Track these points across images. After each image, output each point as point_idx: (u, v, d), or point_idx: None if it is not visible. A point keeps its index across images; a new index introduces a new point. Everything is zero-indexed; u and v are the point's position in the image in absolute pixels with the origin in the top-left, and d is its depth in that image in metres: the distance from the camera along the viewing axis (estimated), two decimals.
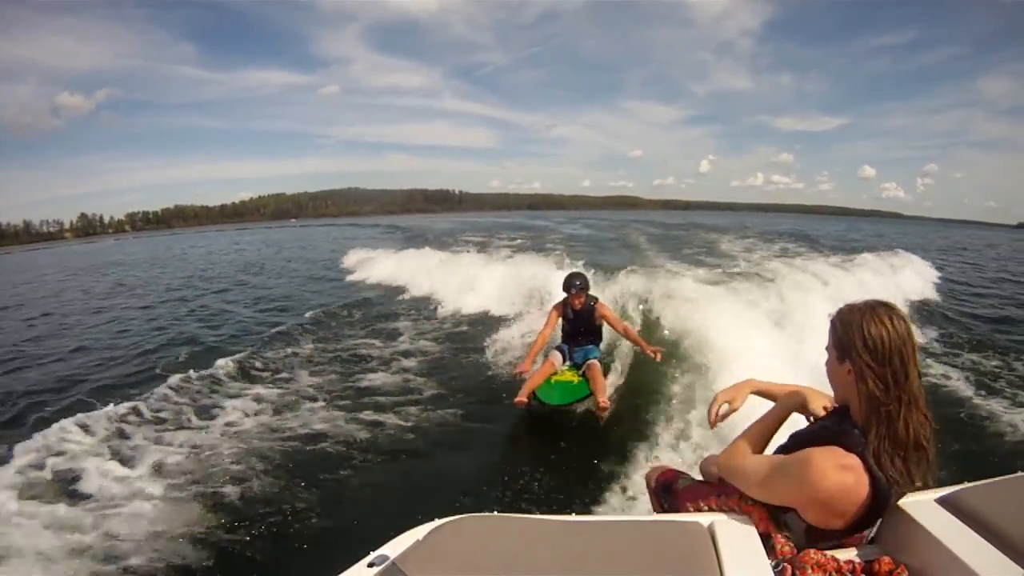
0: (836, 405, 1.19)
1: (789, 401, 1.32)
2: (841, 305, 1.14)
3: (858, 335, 1.05)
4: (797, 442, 1.16)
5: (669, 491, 1.53)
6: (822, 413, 1.23)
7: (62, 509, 2.83)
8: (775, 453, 1.23)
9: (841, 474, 1.02)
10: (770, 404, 1.36)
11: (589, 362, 4.03)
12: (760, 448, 1.27)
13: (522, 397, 3.70)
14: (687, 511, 1.39)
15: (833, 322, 1.13)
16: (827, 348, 1.15)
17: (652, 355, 3.83)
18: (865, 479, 1.02)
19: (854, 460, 1.03)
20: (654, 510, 1.66)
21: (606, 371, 4.20)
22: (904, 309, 1.16)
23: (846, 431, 1.07)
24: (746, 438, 1.29)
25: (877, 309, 1.07)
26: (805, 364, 3.52)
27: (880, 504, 1.05)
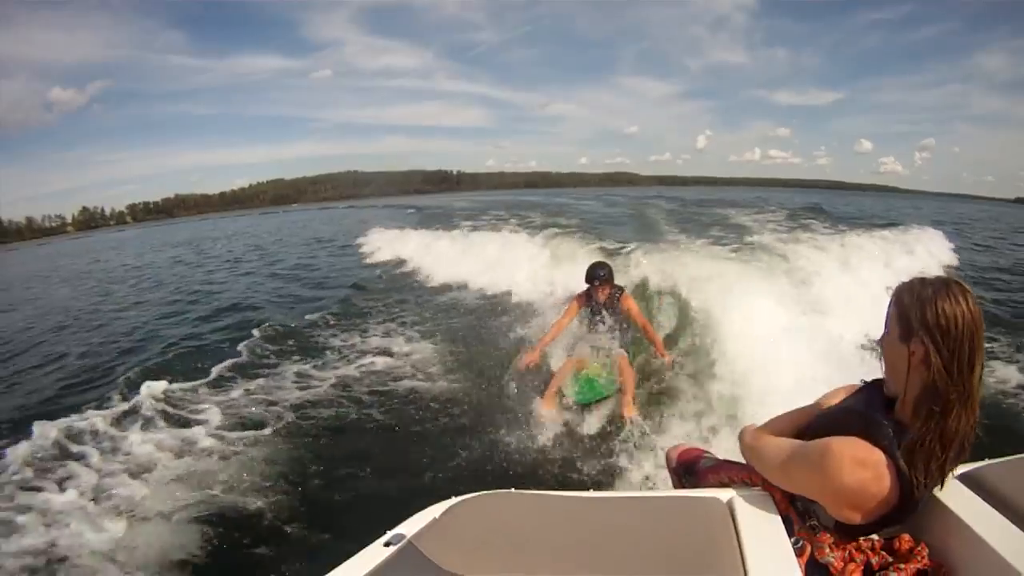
0: (865, 383, 1.11)
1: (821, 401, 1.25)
2: (905, 280, 1.02)
3: (931, 312, 0.94)
4: (823, 423, 1.11)
5: (692, 471, 1.49)
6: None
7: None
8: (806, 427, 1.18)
9: (858, 470, 0.95)
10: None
11: (617, 355, 3.88)
12: (788, 434, 1.20)
13: (549, 404, 3.55)
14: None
15: (899, 295, 1.01)
16: (886, 324, 1.04)
17: (662, 357, 3.89)
18: (887, 476, 0.95)
19: (877, 455, 0.95)
20: (674, 488, 1.63)
21: (631, 360, 4.05)
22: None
23: (874, 420, 0.99)
24: (774, 421, 1.25)
25: (952, 287, 0.95)
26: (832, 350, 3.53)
27: (906, 503, 0.97)
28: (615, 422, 3.42)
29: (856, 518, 0.99)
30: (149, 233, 41.62)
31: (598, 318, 4.08)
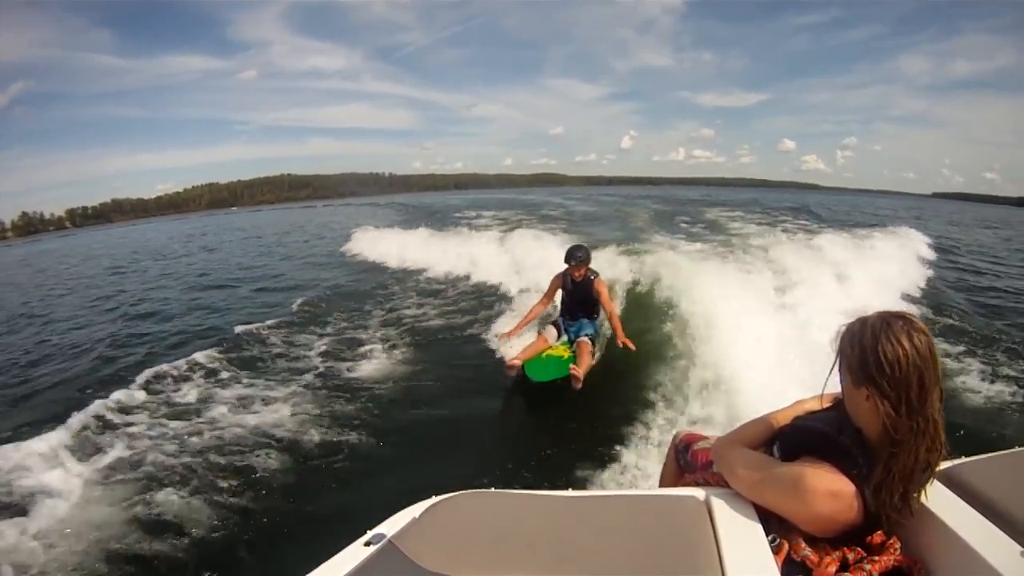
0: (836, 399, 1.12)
1: (791, 411, 1.26)
2: (849, 320, 1.02)
3: (872, 359, 0.93)
4: (796, 441, 1.13)
5: (687, 449, 1.55)
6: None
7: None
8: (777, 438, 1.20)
9: (832, 501, 0.97)
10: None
11: (579, 340, 4.05)
12: (760, 441, 1.22)
13: (515, 361, 3.80)
14: (697, 468, 1.44)
15: (842, 342, 1.01)
16: (839, 370, 1.04)
17: (621, 345, 3.88)
18: (857, 506, 0.98)
19: (848, 487, 0.98)
20: (666, 463, 1.69)
21: (596, 348, 4.21)
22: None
23: (845, 448, 1.01)
24: (744, 429, 1.25)
25: (893, 326, 0.93)
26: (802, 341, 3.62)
27: (872, 525, 1.01)
28: (587, 402, 3.54)
29: (825, 534, 1.03)
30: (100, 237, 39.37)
31: (573, 298, 4.22)
